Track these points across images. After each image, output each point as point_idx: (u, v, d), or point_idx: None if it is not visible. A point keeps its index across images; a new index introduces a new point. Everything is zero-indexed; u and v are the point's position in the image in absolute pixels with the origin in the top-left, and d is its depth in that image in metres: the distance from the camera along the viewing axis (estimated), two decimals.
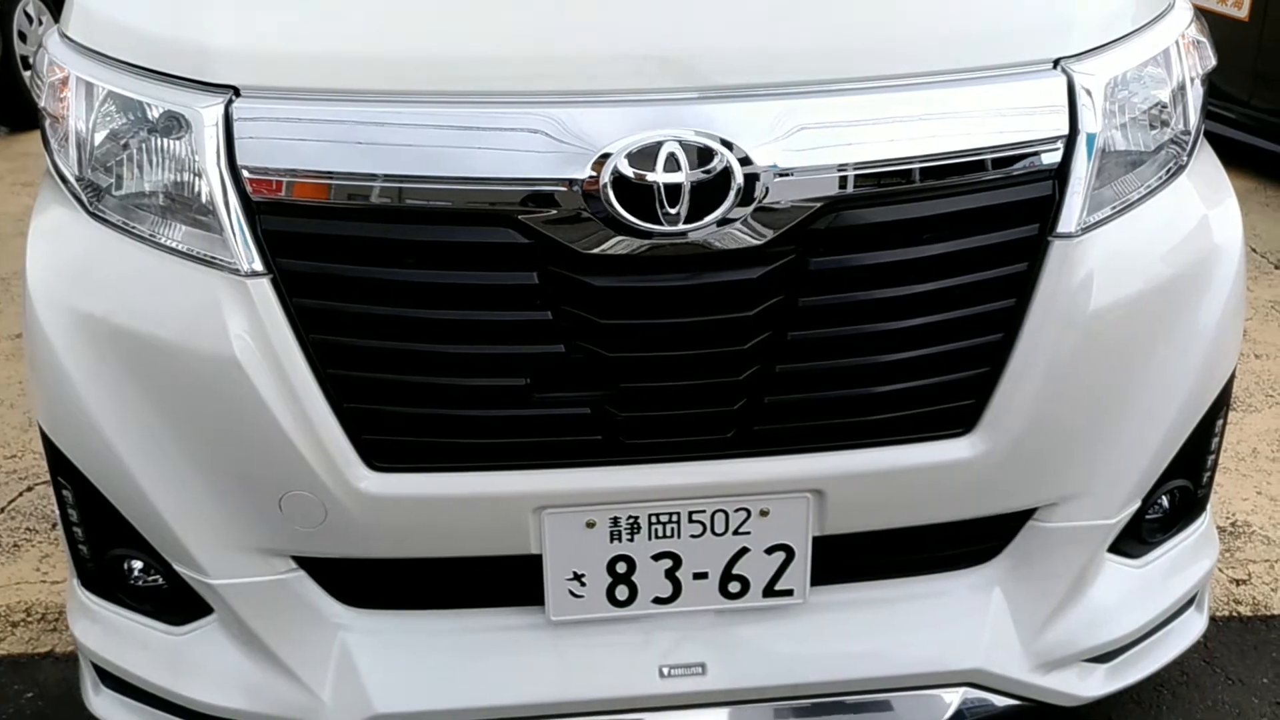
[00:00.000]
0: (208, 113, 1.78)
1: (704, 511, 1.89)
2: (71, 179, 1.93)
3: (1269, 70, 4.96)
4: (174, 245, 1.84)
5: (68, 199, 1.96)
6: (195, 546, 1.91)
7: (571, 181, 1.71)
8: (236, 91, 1.79)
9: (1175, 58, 2.00)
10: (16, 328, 4.11)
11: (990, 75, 1.83)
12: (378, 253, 1.76)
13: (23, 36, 5.78)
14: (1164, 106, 1.98)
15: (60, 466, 2.01)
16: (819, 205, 1.76)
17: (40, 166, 5.35)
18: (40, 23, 5.95)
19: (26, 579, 3.01)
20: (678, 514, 1.89)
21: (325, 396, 1.81)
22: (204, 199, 1.80)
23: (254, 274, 1.77)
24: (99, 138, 1.90)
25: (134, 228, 1.88)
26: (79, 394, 1.89)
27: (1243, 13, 4.95)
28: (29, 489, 3.37)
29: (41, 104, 2.00)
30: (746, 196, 1.72)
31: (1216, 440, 2.17)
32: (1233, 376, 2.13)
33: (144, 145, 1.86)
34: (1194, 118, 2.04)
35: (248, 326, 1.78)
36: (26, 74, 5.80)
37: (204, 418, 1.85)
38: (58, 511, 2.10)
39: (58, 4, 6.18)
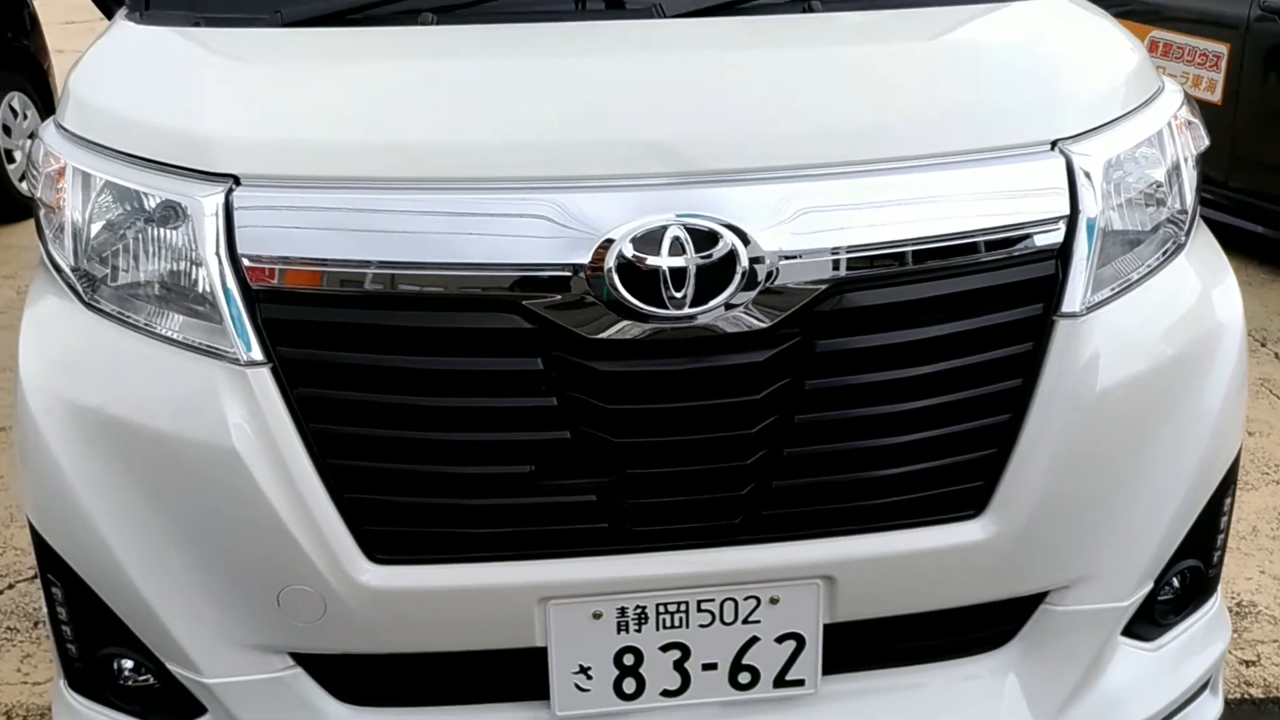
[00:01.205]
0: (208, 202, 1.77)
1: (713, 600, 1.85)
2: (67, 269, 1.91)
3: (1243, 152, 5.06)
4: (170, 335, 1.82)
5: (62, 289, 1.94)
6: (190, 644, 1.85)
7: (576, 266, 1.70)
8: (236, 180, 1.78)
9: (1169, 139, 2.03)
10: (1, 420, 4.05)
11: (991, 157, 1.85)
12: (380, 340, 1.74)
13: (7, 130, 5.80)
14: (1160, 186, 2.00)
15: (50, 562, 1.95)
16: (824, 288, 1.76)
17: (23, 259, 5.33)
18: (25, 116, 5.98)
19: (7, 680, 2.91)
20: (686, 603, 1.85)
21: (325, 487, 1.77)
22: (202, 288, 1.78)
23: (253, 363, 1.74)
24: (95, 228, 1.88)
25: (129, 318, 1.85)
26: (71, 487, 1.85)
27: (1216, 97, 5.06)
28: (9, 586, 3.29)
29: (37, 194, 1.99)
30: (751, 280, 1.71)
31: (1225, 519, 2.15)
32: (1239, 454, 2.12)
33: (141, 235, 1.84)
34: (1189, 197, 2.06)
35: (246, 416, 1.75)
36: (10, 167, 5.81)
37: (200, 510, 1.80)
38: (45, 609, 2.03)
39: (45, 99, 6.21)
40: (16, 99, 5.91)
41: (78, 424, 1.85)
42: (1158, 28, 5.31)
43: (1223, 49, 4.97)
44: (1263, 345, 4.46)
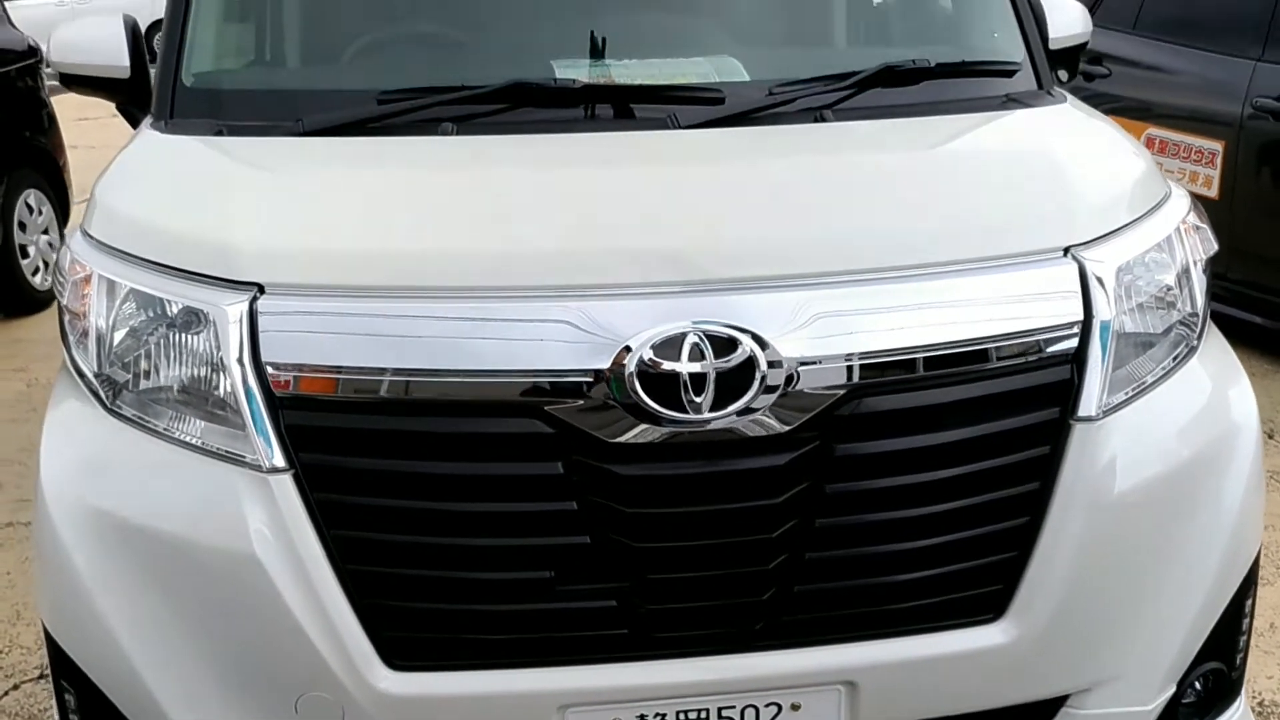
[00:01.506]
0: (232, 309, 1.79)
1: (734, 707, 1.83)
2: (90, 375, 1.93)
3: (1241, 245, 5.12)
4: (192, 440, 1.83)
5: (83, 394, 1.95)
6: None
7: (597, 372, 1.72)
8: (261, 288, 1.80)
9: (1178, 243, 2.06)
10: (6, 516, 4.03)
11: (1005, 263, 1.88)
12: (403, 446, 1.75)
13: (22, 226, 5.87)
14: (1170, 290, 2.03)
15: (63, 668, 1.94)
16: (842, 392, 1.77)
17: (34, 352, 5.35)
18: (40, 212, 6.06)
19: None
20: (707, 710, 1.83)
21: (345, 593, 1.76)
22: (225, 394, 1.80)
23: (275, 469, 1.75)
24: (119, 335, 1.90)
25: (151, 423, 1.87)
26: (88, 591, 1.84)
27: (1213, 192, 5.14)
28: (15, 687, 3.24)
29: (63, 301, 2.01)
30: (769, 385, 1.73)
31: (1247, 620, 2.14)
32: (1259, 553, 2.11)
33: (164, 341, 1.86)
34: (1200, 300, 2.08)
35: (267, 522, 1.75)
36: (24, 261, 5.86)
37: (219, 616, 1.80)
38: (57, 715, 2.01)
39: (59, 195, 6.29)
40: (32, 195, 6.00)
41: (96, 528, 1.85)
42: (1153, 125, 5.42)
43: (1218, 146, 5.06)
44: (1270, 437, 4.47)
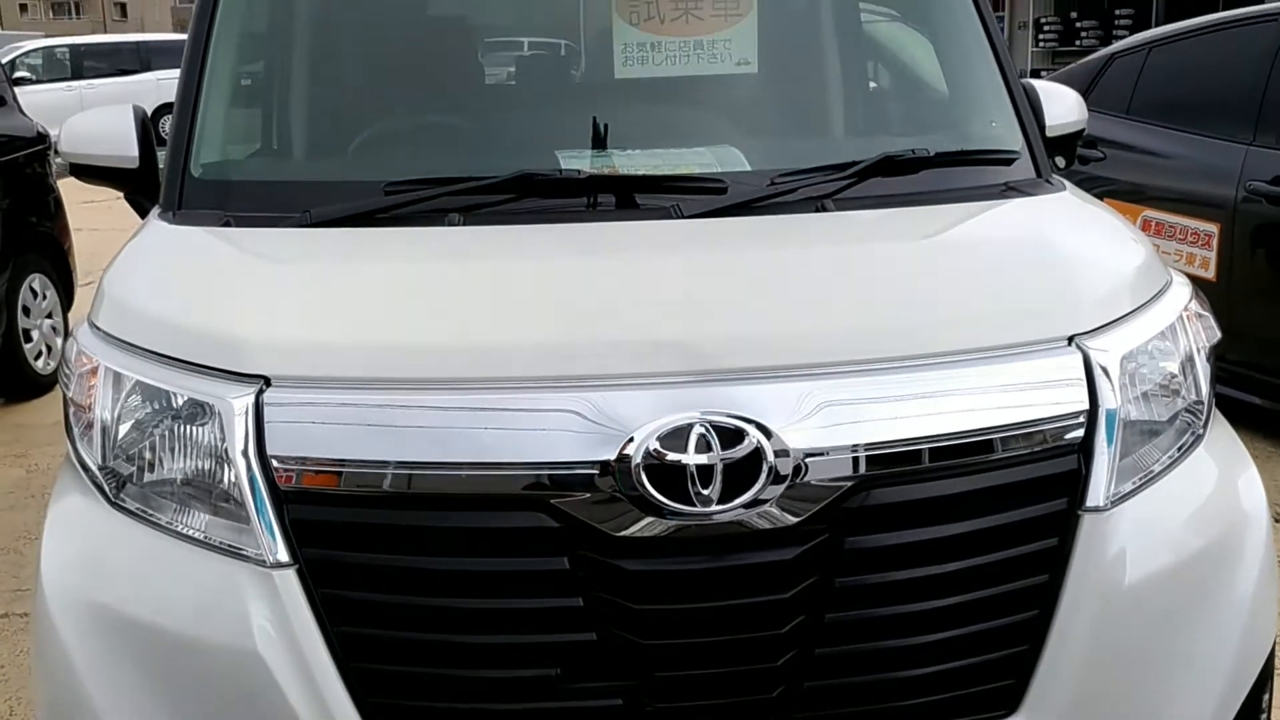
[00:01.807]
0: (238, 402, 1.79)
1: None
2: (94, 468, 1.92)
3: (1239, 326, 5.13)
4: (195, 534, 1.82)
5: (86, 487, 1.94)
6: None
7: (603, 464, 1.71)
8: (267, 381, 1.80)
9: (1181, 331, 2.07)
10: (1, 607, 3.99)
11: (1009, 353, 1.88)
12: (409, 541, 1.74)
13: (26, 310, 5.89)
14: (1175, 378, 2.03)
15: None
16: (850, 484, 1.76)
17: (34, 437, 5.32)
18: (44, 296, 6.08)
19: None
20: None
21: (348, 691, 1.74)
22: (229, 487, 1.79)
23: (280, 564, 1.73)
24: (124, 427, 1.90)
25: (154, 517, 1.86)
26: (85, 690, 1.81)
27: (1210, 273, 5.17)
28: None
29: (69, 394, 2.01)
30: (777, 476, 1.72)
31: (1265, 716, 2.10)
32: (1274, 647, 2.09)
33: (169, 433, 1.86)
34: (1205, 388, 2.09)
35: (270, 618, 1.73)
36: (27, 346, 5.87)
37: (220, 715, 1.77)
38: None
39: (64, 279, 6.33)
40: (37, 280, 6.03)
41: (96, 625, 1.83)
42: (1148, 207, 5.47)
43: (1213, 228, 5.10)
44: (1276, 521, 4.44)
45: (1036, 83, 2.81)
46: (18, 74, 18.84)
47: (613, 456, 1.71)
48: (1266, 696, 2.10)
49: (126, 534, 1.86)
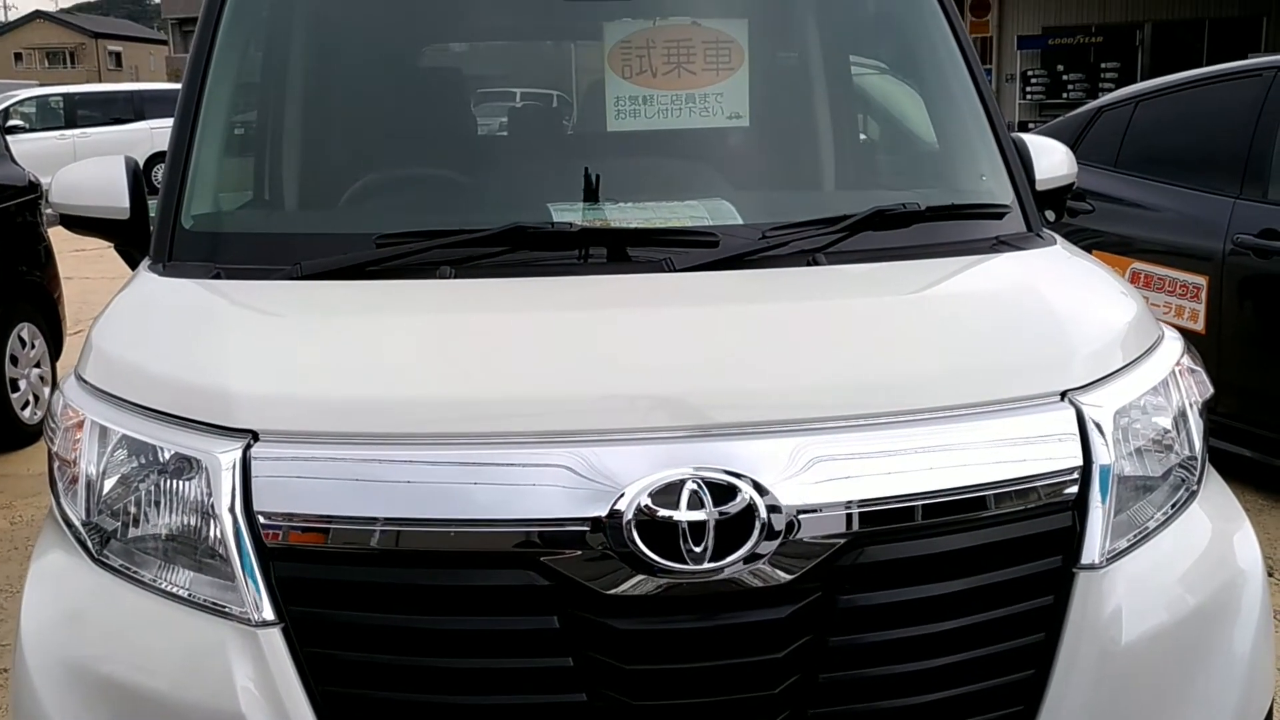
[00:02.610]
0: (225, 457, 1.77)
1: None
2: (77, 523, 1.90)
3: (1228, 378, 5.14)
4: (179, 592, 1.79)
5: (69, 544, 1.92)
6: None
7: (594, 520, 1.69)
8: (255, 435, 1.78)
9: (1173, 386, 2.07)
10: None
11: (1002, 409, 1.87)
12: (399, 600, 1.71)
13: (14, 360, 5.86)
14: (1168, 433, 2.02)
15: None
16: (843, 541, 1.74)
17: (20, 488, 5.25)
18: (33, 346, 6.06)
19: None
20: None
21: None
22: (215, 543, 1.76)
23: (265, 623, 1.71)
24: (110, 482, 1.87)
25: (137, 573, 1.83)
26: None
27: (1199, 326, 5.19)
28: None
29: (54, 448, 1.99)
30: (771, 533, 1.70)
31: None
32: (1273, 704, 2.06)
33: (155, 488, 1.83)
34: (1198, 443, 2.08)
35: (254, 678, 1.70)
36: (14, 395, 5.84)
37: None
38: None
39: (53, 328, 6.31)
40: (26, 329, 6.01)
41: (76, 684, 1.80)
42: (1137, 259, 5.50)
43: (1202, 281, 5.13)
44: (1270, 575, 4.43)
45: (1026, 136, 2.83)
46: (11, 122, 18.93)
47: (604, 513, 1.69)
48: None
49: (109, 591, 1.83)
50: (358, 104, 2.75)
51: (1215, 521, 2.07)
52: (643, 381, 1.84)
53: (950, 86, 2.74)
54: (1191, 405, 2.09)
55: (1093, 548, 1.84)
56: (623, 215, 2.35)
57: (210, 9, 2.56)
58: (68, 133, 19.66)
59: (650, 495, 1.69)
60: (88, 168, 2.60)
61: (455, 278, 2.14)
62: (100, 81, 46.06)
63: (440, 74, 3.05)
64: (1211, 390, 2.17)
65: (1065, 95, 21.09)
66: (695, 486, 1.70)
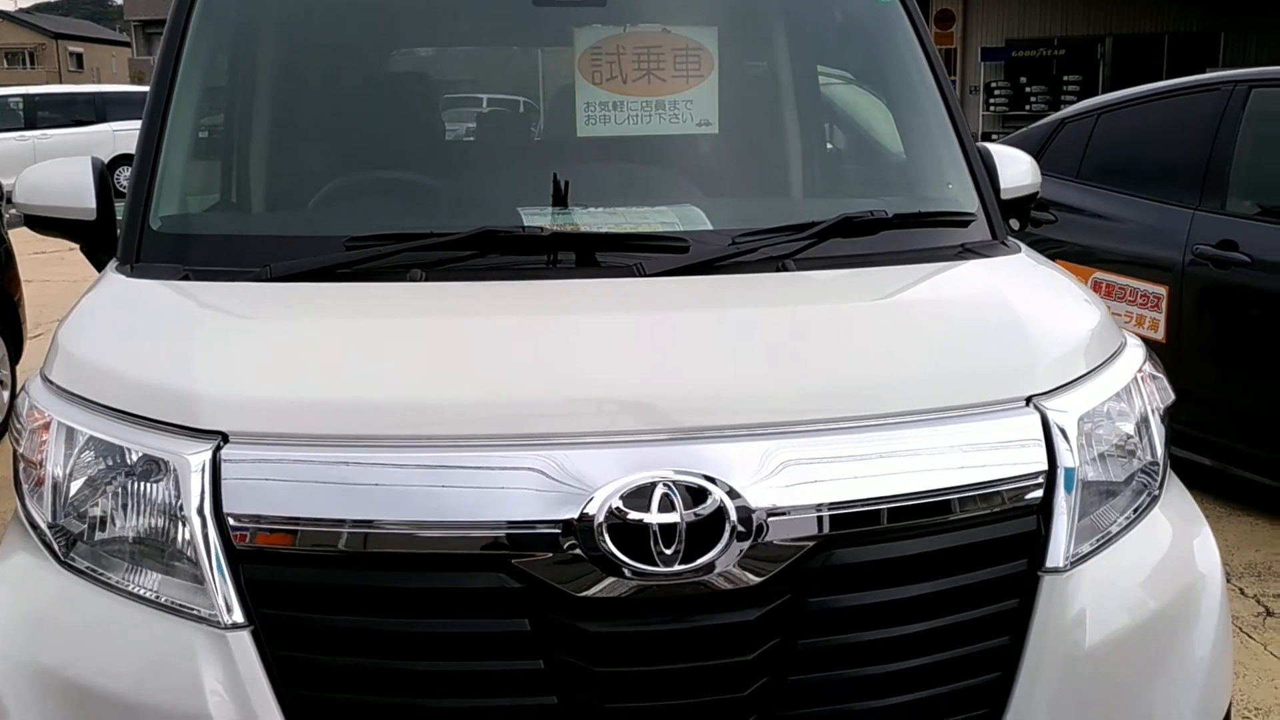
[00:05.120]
0: (194, 459, 1.76)
1: None
2: (44, 525, 1.88)
3: (1187, 387, 5.21)
4: (147, 594, 1.78)
5: (35, 546, 1.90)
6: None
7: (566, 523, 1.70)
8: (225, 437, 1.77)
9: (1136, 393, 2.10)
10: None
11: (968, 414, 1.89)
12: (369, 602, 1.71)
13: None
14: (1130, 438, 2.06)
15: None
16: (812, 544, 1.76)
17: None
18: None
19: None
20: None
21: None
22: (183, 545, 1.75)
23: (234, 626, 1.70)
24: (76, 484, 1.86)
25: (104, 576, 1.81)
26: None
27: (1160, 335, 5.27)
28: None
29: (19, 450, 1.97)
30: (741, 535, 1.71)
31: None
32: (1230, 706, 2.10)
33: (122, 490, 1.82)
34: (1160, 449, 2.11)
35: (224, 681, 1.69)
36: None
37: None
38: None
39: (13, 330, 6.22)
40: None
41: (42, 688, 1.78)
42: (1098, 269, 5.58)
43: (1162, 290, 5.21)
44: (1227, 581, 4.49)
45: (992, 146, 2.87)
46: None
47: (575, 516, 1.70)
48: None
49: (76, 594, 1.82)
50: (327, 107, 2.74)
51: (1176, 526, 2.11)
52: (614, 385, 1.85)
53: (917, 96, 2.77)
54: (1154, 411, 2.13)
55: (1057, 551, 1.87)
56: (593, 220, 2.35)
57: (178, 11, 2.55)
58: (27, 134, 19.40)
59: (621, 498, 1.70)
60: (53, 168, 2.58)
61: (426, 281, 2.14)
62: (60, 83, 45.49)
63: (408, 79, 3.05)
64: (1173, 396, 2.21)
65: (1028, 107, 21.31)
66: (667, 489, 1.71)
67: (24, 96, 20.78)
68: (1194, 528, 2.14)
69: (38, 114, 20.07)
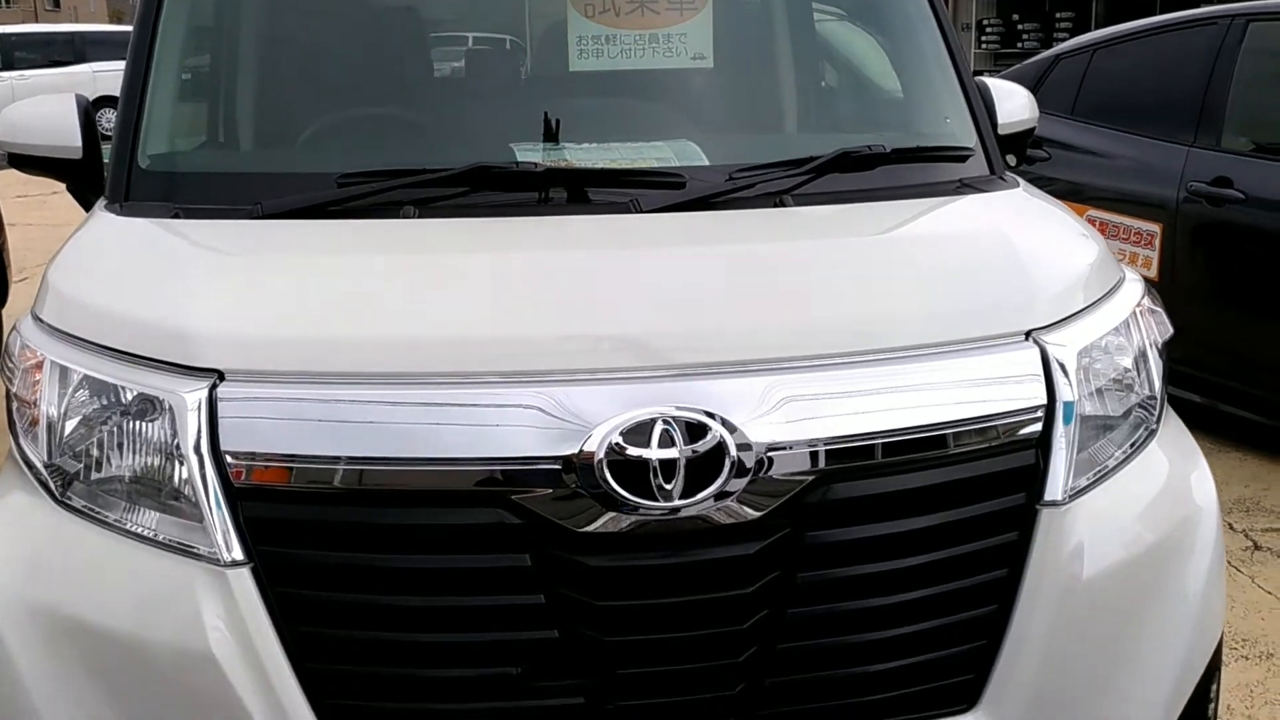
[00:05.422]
0: (191, 396, 1.74)
1: None
2: (39, 465, 1.87)
3: (1180, 324, 5.22)
4: (145, 533, 1.77)
5: (31, 486, 1.89)
6: None
7: (566, 459, 1.70)
8: (221, 375, 1.76)
9: (1134, 327, 2.10)
10: None
11: (967, 348, 1.89)
12: (369, 538, 1.71)
13: None
14: (1129, 372, 2.06)
15: None
16: (811, 478, 1.76)
17: None
18: None
19: None
20: None
21: (304, 693, 1.70)
22: (181, 484, 1.75)
23: (234, 563, 1.70)
24: (71, 423, 1.84)
25: (102, 515, 1.81)
26: (30, 698, 1.76)
27: (1153, 273, 5.26)
28: None
29: (13, 389, 1.95)
30: (740, 470, 1.71)
31: (1213, 705, 2.13)
32: (1221, 637, 2.12)
33: (118, 429, 1.81)
34: (1158, 383, 2.11)
35: (224, 618, 1.69)
36: None
37: (170, 718, 1.72)
38: None
39: None
40: None
41: (40, 627, 1.78)
42: (1092, 207, 5.56)
43: (1156, 228, 5.19)
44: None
45: (989, 80, 2.84)
46: None
47: (574, 452, 1.69)
48: (1215, 687, 2.13)
49: (73, 533, 1.81)
50: (314, 44, 2.69)
51: (1173, 460, 2.11)
52: (612, 321, 1.84)
53: (915, 29, 2.73)
54: (1152, 345, 2.13)
55: (1056, 485, 1.87)
56: (588, 156, 2.33)
57: None
58: (5, 74, 19.11)
59: (621, 434, 1.70)
60: (37, 106, 2.53)
61: (419, 217, 2.12)
62: (37, 22, 44.77)
63: (396, 13, 2.99)
64: (1172, 331, 2.21)
65: (1020, 45, 21.12)
66: (666, 425, 1.71)
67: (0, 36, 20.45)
68: (1190, 462, 2.15)
69: (14, 54, 19.76)
